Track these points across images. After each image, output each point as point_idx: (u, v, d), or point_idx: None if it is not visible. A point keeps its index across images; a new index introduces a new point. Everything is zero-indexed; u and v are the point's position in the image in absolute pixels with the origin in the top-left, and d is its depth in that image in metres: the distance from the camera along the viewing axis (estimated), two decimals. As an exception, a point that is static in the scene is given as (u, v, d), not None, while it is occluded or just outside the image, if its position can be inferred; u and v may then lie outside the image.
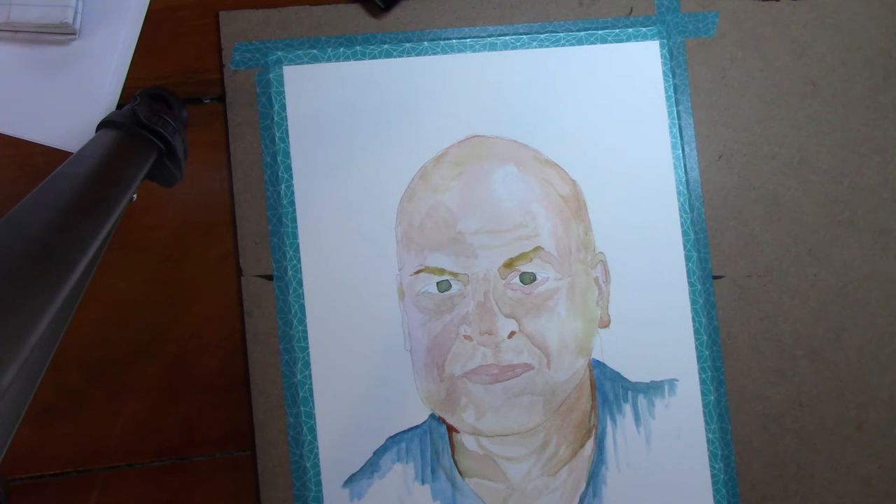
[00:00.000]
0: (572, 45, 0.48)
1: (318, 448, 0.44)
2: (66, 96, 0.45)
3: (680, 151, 0.48)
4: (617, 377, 0.46)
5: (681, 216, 0.47)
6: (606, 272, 0.47)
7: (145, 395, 0.45)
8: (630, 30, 0.48)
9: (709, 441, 0.46)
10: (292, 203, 0.46)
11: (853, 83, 0.49)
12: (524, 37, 0.48)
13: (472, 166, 0.47)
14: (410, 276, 0.46)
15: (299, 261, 0.45)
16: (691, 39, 0.49)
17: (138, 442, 0.45)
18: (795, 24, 0.49)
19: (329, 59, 0.47)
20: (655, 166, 0.48)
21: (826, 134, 0.49)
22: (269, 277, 0.45)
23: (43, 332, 0.24)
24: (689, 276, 0.47)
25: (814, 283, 0.48)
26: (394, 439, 0.45)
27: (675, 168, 0.48)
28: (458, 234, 0.46)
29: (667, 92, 0.48)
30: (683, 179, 0.48)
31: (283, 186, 0.46)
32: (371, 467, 0.45)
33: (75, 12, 0.44)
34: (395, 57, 0.47)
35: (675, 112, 0.48)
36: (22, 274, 0.24)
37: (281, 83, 0.46)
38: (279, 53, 0.46)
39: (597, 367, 0.46)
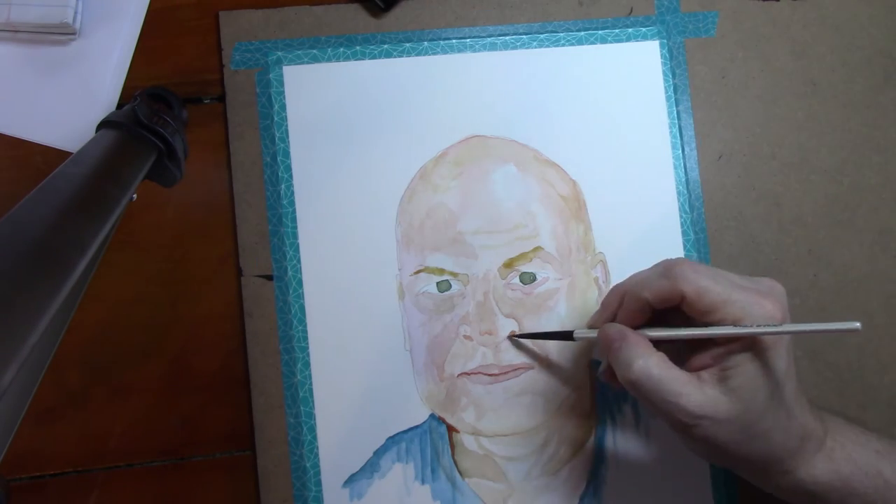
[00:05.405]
0: (572, 45, 0.48)
1: (318, 448, 0.44)
2: (66, 96, 0.45)
3: (680, 151, 0.48)
4: (617, 377, 0.46)
5: (681, 216, 0.47)
6: (606, 272, 0.47)
7: (145, 395, 0.45)
8: (630, 30, 0.48)
9: (709, 441, 0.46)
10: (292, 203, 0.46)
11: (853, 83, 0.49)
12: (524, 37, 0.48)
13: (472, 166, 0.47)
14: (410, 276, 0.46)
15: (299, 261, 0.45)
16: (691, 39, 0.49)
17: (138, 442, 0.45)
18: (795, 24, 0.49)
19: (329, 59, 0.47)
20: (655, 166, 0.48)
21: (826, 134, 0.49)
22: (269, 277, 0.45)
23: (43, 331, 0.24)
24: (689, 276, 0.47)
25: (814, 283, 0.48)
26: (393, 439, 0.45)
27: (675, 168, 0.48)
28: (458, 234, 0.46)
29: (667, 92, 0.48)
30: (683, 179, 0.48)
31: (283, 186, 0.46)
32: (371, 467, 0.45)
33: (75, 12, 0.44)
34: (395, 57, 0.47)
35: (675, 112, 0.48)
36: (22, 274, 0.24)
37: (281, 83, 0.46)
38: (279, 53, 0.46)
39: (597, 366, 0.46)
